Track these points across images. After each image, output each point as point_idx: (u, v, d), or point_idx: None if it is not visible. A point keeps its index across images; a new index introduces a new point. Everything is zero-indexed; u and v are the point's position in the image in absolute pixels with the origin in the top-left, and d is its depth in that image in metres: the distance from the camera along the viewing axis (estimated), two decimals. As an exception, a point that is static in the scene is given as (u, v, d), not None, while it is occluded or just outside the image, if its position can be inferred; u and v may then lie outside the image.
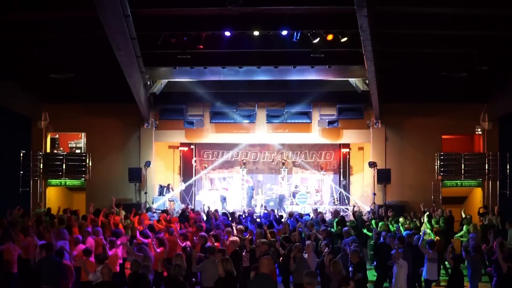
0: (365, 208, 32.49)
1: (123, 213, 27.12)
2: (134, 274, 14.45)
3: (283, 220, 25.83)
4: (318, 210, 29.13)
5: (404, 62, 28.90)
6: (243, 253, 18.25)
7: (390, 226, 23.90)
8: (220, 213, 27.27)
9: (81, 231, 20.66)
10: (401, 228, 23.01)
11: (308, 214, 27.92)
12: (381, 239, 20.36)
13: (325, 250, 17.29)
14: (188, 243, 19.47)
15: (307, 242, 18.13)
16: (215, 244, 18.43)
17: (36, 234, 20.43)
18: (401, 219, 24.87)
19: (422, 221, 25.09)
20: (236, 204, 34.41)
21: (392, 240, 18.85)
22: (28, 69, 31.04)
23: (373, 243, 22.09)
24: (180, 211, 29.25)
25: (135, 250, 17.51)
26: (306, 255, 17.17)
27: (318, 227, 22.92)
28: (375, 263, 20.32)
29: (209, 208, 29.10)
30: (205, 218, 26.33)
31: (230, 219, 25.13)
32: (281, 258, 18.29)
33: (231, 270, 14.50)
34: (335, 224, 24.20)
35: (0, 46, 27.28)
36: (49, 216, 25.62)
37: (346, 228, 21.55)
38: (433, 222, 24.32)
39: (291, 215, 26.45)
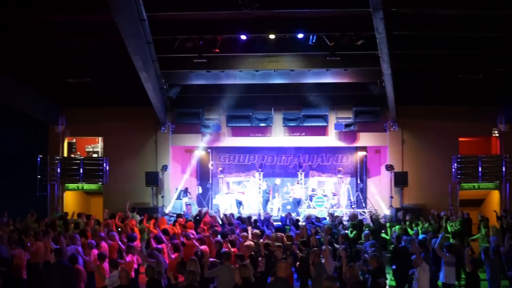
0: (384, 211, 32.40)
1: (137, 217, 27.16)
2: (150, 280, 14.33)
3: (300, 224, 25.75)
4: (335, 214, 29.08)
5: (420, 64, 28.78)
6: (259, 258, 18.19)
7: (409, 229, 23.82)
8: (235, 218, 27.19)
9: (94, 236, 20.66)
10: (419, 231, 22.93)
11: (324, 218, 27.80)
12: (402, 243, 20.28)
13: (343, 255, 17.24)
14: (205, 247, 19.34)
15: (323, 247, 18.00)
16: (233, 249, 18.34)
17: (50, 239, 20.41)
18: (419, 223, 24.79)
19: (441, 224, 24.98)
20: (253, 208, 34.36)
21: (413, 244, 18.75)
22: (45, 73, 31.19)
23: (392, 247, 21.97)
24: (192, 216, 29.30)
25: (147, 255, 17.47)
26: (323, 260, 17.06)
27: (336, 230, 22.89)
28: (394, 267, 20.18)
29: (225, 212, 29.11)
30: (220, 222, 26.35)
31: (245, 223, 25.04)
32: (297, 263, 18.23)
33: (249, 276, 14.17)
34: (350, 228, 24.15)
35: (17, 51, 27.42)
36: (62, 221, 25.63)
37: (366, 232, 21.46)
38: (448, 225, 24.21)
39: (308, 218, 26.42)
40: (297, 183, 34.42)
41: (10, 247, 18.74)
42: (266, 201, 34.24)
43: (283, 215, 29.11)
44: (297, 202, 33.74)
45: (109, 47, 26.58)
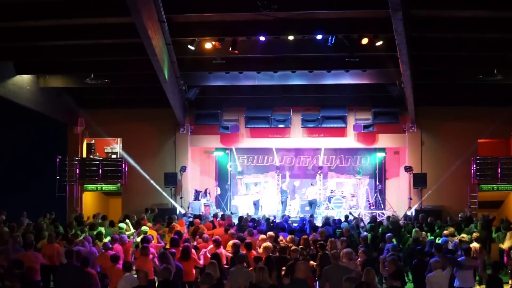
0: (403, 212, 32.31)
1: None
2: (164, 282, 14.26)
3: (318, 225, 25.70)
4: (354, 215, 29.01)
5: (439, 66, 28.68)
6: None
7: (428, 232, 23.73)
8: (251, 219, 27.12)
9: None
10: (438, 233, 22.85)
11: (341, 220, 27.71)
12: (419, 245, 20.18)
13: (361, 258, 17.19)
14: (221, 250, 19.25)
15: (345, 249, 17.83)
16: (250, 252, 18.29)
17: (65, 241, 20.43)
18: (438, 225, 24.69)
19: (460, 226, 24.88)
20: (271, 210, 34.35)
21: (431, 246, 18.67)
22: (65, 75, 31.34)
23: (408, 249, 21.88)
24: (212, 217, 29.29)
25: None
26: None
27: (354, 232, 22.84)
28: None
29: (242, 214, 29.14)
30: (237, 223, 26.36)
31: (260, 225, 24.99)
32: (315, 264, 18.14)
33: (265, 279, 14.07)
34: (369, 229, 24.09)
35: (36, 53, 27.54)
36: (77, 222, 25.68)
37: (389, 234, 21.38)
38: (464, 228, 24.11)
39: (327, 220, 26.39)
40: (312, 185, 34.41)
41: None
42: (284, 203, 34.18)
43: (301, 216, 29.09)
44: (310, 204, 33.67)
45: (128, 48, 26.65)
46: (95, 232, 22.39)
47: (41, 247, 19.72)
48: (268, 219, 27.05)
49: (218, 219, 25.98)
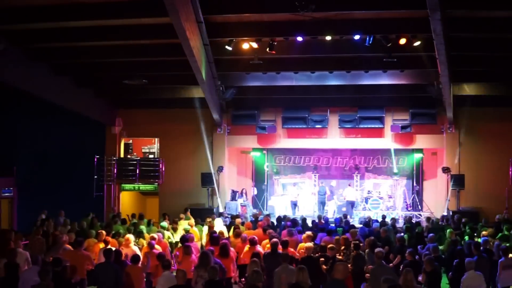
0: (440, 214, 32.08)
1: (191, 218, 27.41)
2: (210, 281, 14.27)
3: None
4: (391, 216, 28.96)
5: (477, 66, 28.44)
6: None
7: (467, 233, 23.58)
8: (290, 219, 27.17)
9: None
10: (476, 234, 22.73)
11: (376, 220, 27.59)
12: (458, 246, 20.10)
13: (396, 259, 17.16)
14: (258, 248, 19.33)
15: (377, 249, 17.79)
16: (286, 250, 18.34)
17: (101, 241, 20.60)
18: (478, 226, 24.56)
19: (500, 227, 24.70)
20: (308, 210, 34.33)
21: (469, 247, 18.58)
22: (102, 75, 31.60)
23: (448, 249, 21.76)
24: (251, 217, 29.35)
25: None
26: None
27: (391, 233, 22.78)
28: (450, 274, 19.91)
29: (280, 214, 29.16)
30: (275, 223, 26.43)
31: (298, 225, 25.03)
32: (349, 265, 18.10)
33: (305, 280, 14.00)
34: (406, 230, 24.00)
35: (74, 54, 27.77)
36: (115, 222, 25.85)
37: (431, 234, 21.32)
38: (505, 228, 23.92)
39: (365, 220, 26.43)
40: (349, 186, 34.37)
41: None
42: (322, 203, 34.16)
43: (338, 217, 29.06)
44: (351, 205, 33.66)
45: (166, 49, 26.75)
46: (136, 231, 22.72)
47: (87, 246, 19.90)
48: (304, 219, 27.10)
49: (261, 217, 26.16)
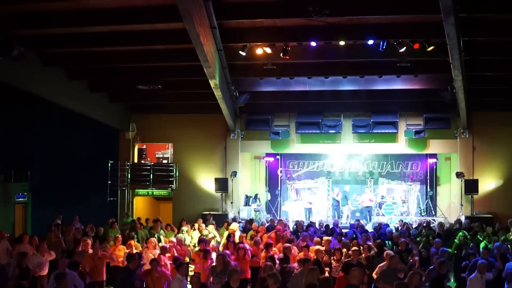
0: (454, 219, 32.04)
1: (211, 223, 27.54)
2: (228, 283, 14.20)
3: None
4: (404, 221, 28.99)
5: (492, 70, 28.33)
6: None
7: (480, 238, 23.55)
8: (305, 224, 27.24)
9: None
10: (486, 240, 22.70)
11: (387, 225, 27.59)
12: (464, 250, 20.18)
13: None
14: (273, 252, 19.42)
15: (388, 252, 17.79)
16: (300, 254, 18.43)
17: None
18: (489, 230, 24.51)
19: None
20: (322, 215, 34.30)
21: (480, 252, 18.57)
22: (117, 81, 31.70)
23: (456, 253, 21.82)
24: (265, 222, 29.41)
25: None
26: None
27: (405, 239, 22.77)
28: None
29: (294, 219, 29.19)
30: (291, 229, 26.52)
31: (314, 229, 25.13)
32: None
33: (315, 282, 13.98)
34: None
35: (90, 59, 27.88)
36: (132, 227, 26.00)
37: (437, 240, 21.34)
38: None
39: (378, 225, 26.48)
40: (367, 189, 34.33)
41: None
42: (336, 208, 34.09)
43: (353, 222, 29.08)
44: (368, 211, 33.63)
45: (180, 54, 26.78)
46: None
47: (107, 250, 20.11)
48: (310, 224, 27.20)
49: (275, 223, 26.27)
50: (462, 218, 30.95)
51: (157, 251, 19.65)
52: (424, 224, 27.51)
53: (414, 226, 28.98)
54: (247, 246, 20.17)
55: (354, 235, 23.71)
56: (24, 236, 21.15)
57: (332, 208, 34.37)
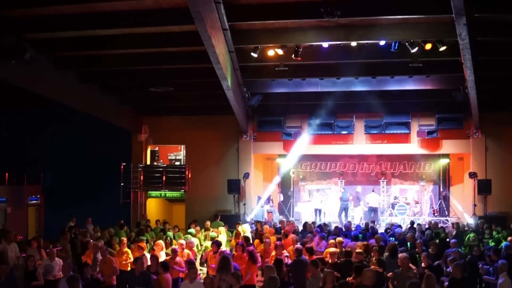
0: (467, 219, 31.99)
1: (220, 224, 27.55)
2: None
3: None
4: (417, 222, 28.93)
5: (504, 70, 28.20)
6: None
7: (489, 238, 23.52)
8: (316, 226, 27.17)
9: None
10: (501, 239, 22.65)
11: (396, 226, 27.50)
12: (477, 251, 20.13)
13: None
14: (284, 254, 19.39)
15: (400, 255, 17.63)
16: (311, 257, 18.34)
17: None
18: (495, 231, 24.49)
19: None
20: (334, 216, 34.24)
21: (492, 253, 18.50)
22: (128, 83, 31.74)
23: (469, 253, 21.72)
24: (277, 223, 29.40)
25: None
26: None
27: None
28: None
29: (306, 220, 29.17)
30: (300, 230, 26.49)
31: (324, 231, 25.03)
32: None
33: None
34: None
35: (101, 61, 27.93)
36: (139, 229, 25.95)
37: (454, 240, 21.26)
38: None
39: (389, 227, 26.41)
40: (373, 191, 34.21)
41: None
42: (344, 209, 34.01)
43: (359, 223, 29.03)
44: (372, 211, 33.47)
45: (192, 56, 26.78)
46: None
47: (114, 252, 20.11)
48: (336, 227, 27.10)
49: (285, 225, 26.19)
50: (469, 220, 30.97)
51: (163, 253, 19.65)
52: (427, 226, 27.45)
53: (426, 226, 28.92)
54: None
55: (360, 236, 23.68)
56: (32, 241, 21.17)
57: (340, 208, 34.13)
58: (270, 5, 23.06)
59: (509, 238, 21.77)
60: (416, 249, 19.85)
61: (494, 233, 24.85)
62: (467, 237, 23.51)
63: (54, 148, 36.15)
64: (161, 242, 20.86)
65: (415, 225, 27.59)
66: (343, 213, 33.71)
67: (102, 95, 31.62)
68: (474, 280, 19.27)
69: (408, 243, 21.86)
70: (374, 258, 18.13)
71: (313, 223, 28.15)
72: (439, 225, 27.94)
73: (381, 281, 16.84)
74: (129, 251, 20.35)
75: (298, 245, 19.15)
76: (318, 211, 34.30)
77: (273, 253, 19.37)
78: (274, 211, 34.20)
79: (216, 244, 19.96)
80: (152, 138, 36.35)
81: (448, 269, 16.73)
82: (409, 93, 31.17)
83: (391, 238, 23.68)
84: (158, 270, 16.49)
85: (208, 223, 27.11)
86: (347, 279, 14.73)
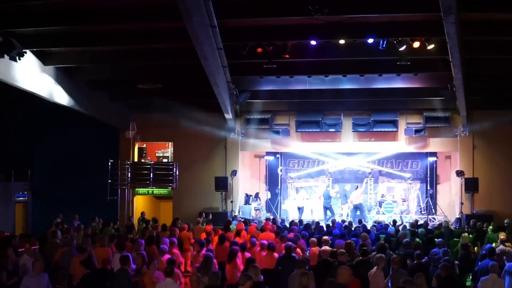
0: (454, 217, 32.09)
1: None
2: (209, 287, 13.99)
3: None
4: (404, 220, 28.96)
5: (491, 69, 28.28)
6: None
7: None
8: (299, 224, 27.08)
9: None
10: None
11: (388, 225, 27.40)
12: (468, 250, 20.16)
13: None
14: (276, 254, 19.29)
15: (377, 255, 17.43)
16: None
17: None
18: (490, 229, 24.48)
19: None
20: (321, 214, 34.17)
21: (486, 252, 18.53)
22: (116, 80, 31.63)
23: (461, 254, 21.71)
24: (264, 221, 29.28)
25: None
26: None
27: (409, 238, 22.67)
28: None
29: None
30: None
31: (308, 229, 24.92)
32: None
33: (307, 285, 13.79)
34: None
35: (88, 57, 27.85)
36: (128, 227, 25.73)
37: (440, 240, 21.24)
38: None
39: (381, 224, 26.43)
40: (356, 189, 34.14)
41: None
42: (326, 208, 33.83)
43: (339, 222, 28.89)
44: (357, 208, 33.41)
45: (180, 53, 26.74)
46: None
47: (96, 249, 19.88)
48: (318, 223, 27.04)
49: (271, 223, 26.01)
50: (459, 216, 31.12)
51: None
52: (409, 223, 27.33)
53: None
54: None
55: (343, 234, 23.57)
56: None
57: (324, 206, 33.95)
58: (259, 3, 23.07)
59: (501, 237, 21.73)
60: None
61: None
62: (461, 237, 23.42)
63: (42, 145, 36.12)
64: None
65: (397, 224, 27.45)
66: (328, 211, 33.57)
67: (90, 91, 31.46)
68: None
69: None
70: (358, 258, 18.00)
71: (300, 221, 28.15)
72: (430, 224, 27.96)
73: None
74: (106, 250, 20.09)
75: (288, 243, 19.02)
76: (300, 210, 34.17)
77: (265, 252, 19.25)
78: (261, 208, 34.19)
79: (199, 243, 19.88)
80: (140, 135, 36.31)
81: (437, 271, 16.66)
82: (397, 91, 31.14)
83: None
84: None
85: (200, 220, 27.04)
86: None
